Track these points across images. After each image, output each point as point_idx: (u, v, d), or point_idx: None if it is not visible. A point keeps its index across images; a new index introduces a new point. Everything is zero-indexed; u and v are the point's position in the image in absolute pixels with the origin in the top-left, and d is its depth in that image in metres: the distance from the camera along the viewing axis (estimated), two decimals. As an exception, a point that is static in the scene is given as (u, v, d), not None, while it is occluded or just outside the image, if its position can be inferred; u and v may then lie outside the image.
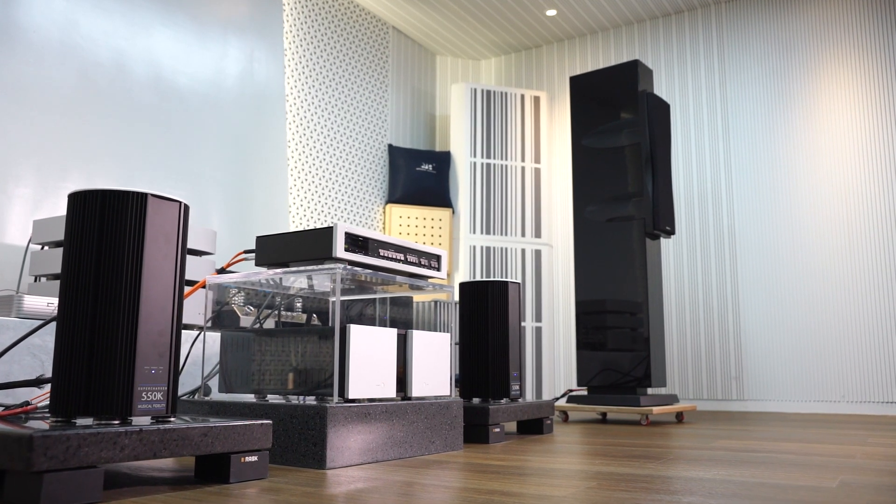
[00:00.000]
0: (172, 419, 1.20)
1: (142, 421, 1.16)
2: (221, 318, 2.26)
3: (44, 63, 2.62)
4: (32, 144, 2.55)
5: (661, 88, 4.55)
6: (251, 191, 3.39)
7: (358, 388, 1.55)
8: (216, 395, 1.87)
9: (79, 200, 1.16)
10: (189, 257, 2.27)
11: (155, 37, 3.04)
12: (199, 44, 3.24)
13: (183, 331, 2.14)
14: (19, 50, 2.55)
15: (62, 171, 2.62)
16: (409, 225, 4.49)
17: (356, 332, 1.56)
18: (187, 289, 2.11)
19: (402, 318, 3.09)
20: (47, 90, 2.62)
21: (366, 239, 1.66)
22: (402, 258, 1.78)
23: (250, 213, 3.37)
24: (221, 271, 1.73)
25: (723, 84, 4.33)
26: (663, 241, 4.36)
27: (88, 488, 1.03)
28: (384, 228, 4.51)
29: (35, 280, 2.21)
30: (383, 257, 1.71)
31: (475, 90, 4.68)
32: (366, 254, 1.66)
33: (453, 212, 4.61)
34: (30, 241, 2.19)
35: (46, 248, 2.22)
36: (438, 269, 1.90)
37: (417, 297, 4.39)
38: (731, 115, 4.28)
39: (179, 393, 2.10)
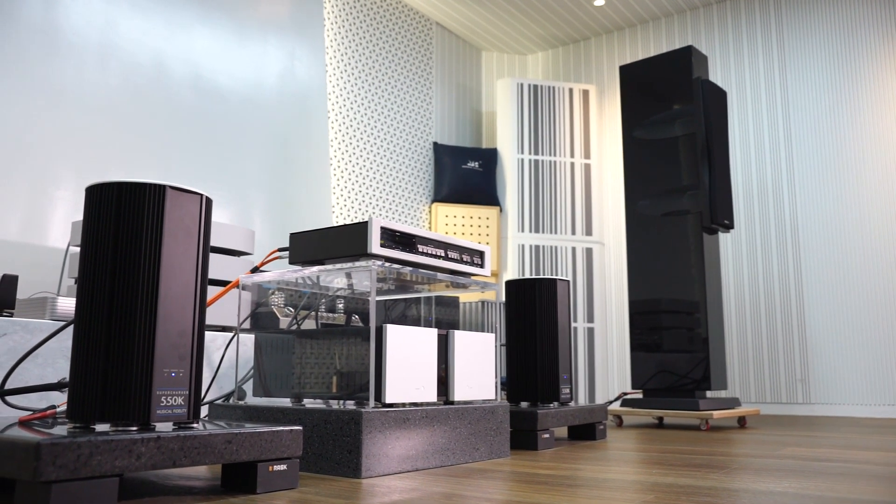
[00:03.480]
0: (195, 425, 1.13)
1: (163, 427, 1.09)
2: (260, 319, 2.20)
3: (84, 64, 2.61)
4: (72, 146, 2.54)
5: (715, 76, 4.36)
6: (293, 190, 3.35)
7: (396, 391, 1.46)
8: (251, 400, 1.81)
9: (95, 194, 1.10)
10: (226, 257, 2.22)
11: (194, 36, 3.01)
12: (238, 43, 3.21)
13: (220, 333, 2.09)
14: (59, 52, 2.54)
15: (102, 172, 2.61)
16: (455, 224, 4.40)
17: (393, 332, 1.47)
18: (221, 289, 2.06)
19: (447, 319, 3.00)
20: (87, 91, 2.61)
21: (403, 234, 1.57)
22: (443, 254, 1.68)
23: (292, 213, 3.33)
24: (255, 270, 1.67)
25: (782, 70, 4.13)
26: (721, 235, 4.18)
27: (101, 499, 0.96)
28: (430, 228, 4.43)
29: (75, 282, 2.19)
30: (422, 253, 1.62)
31: (521, 85, 4.57)
32: (403, 250, 1.57)
33: (501, 210, 4.50)
34: (69, 243, 2.17)
35: (86, 249, 2.20)
36: (482, 266, 1.80)
37: (464, 297, 4.29)
38: (792, 102, 4.07)
39: (214, 397, 2.04)
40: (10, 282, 1.68)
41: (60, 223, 2.45)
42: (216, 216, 2.97)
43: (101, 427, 1.08)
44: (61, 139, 2.51)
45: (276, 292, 1.90)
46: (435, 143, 4.51)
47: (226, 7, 3.17)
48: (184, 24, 2.98)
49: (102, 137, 2.62)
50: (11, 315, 1.77)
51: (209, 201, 1.18)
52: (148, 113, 2.78)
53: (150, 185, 1.09)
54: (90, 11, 2.65)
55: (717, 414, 2.66)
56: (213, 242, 2.21)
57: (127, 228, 1.07)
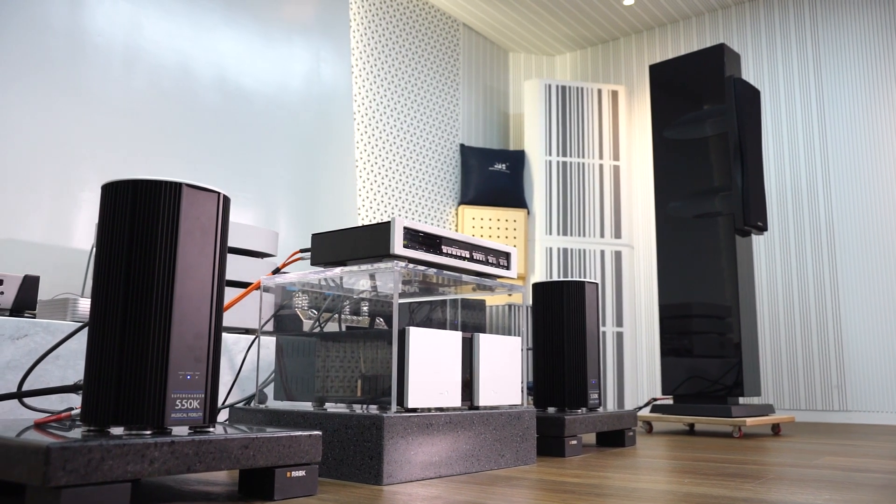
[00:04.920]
0: (211, 429, 1.10)
1: (178, 431, 1.06)
2: (283, 321, 2.18)
3: (109, 67, 2.61)
4: (97, 148, 2.54)
5: (748, 75, 4.27)
6: (319, 192, 3.33)
7: (418, 396, 1.43)
8: (272, 403, 1.78)
9: (110, 192, 1.07)
10: (250, 259, 2.20)
11: (219, 38, 3.01)
12: (263, 44, 3.20)
13: (243, 335, 2.07)
14: (85, 54, 2.55)
15: (127, 174, 2.61)
16: (482, 227, 4.36)
17: (416, 335, 1.43)
18: (241, 290, 2.03)
19: (473, 323, 2.95)
20: (112, 93, 2.61)
21: (427, 235, 1.54)
22: (468, 255, 1.64)
23: (318, 215, 3.31)
24: (276, 272, 1.64)
25: (817, 69, 4.03)
26: (754, 238, 4.08)
27: (113, 506, 0.93)
28: (457, 230, 4.39)
29: (99, 284, 2.18)
30: (447, 254, 1.58)
31: (549, 86, 4.51)
32: (427, 251, 1.53)
33: (528, 212, 4.45)
34: (93, 244, 2.17)
35: (110, 251, 2.19)
36: (508, 268, 1.76)
37: (491, 301, 4.24)
38: (828, 102, 3.97)
39: (236, 400, 2.02)
40: (32, 283, 1.67)
41: (85, 225, 2.46)
42: (240, 218, 2.97)
43: (115, 431, 1.06)
44: (86, 141, 2.51)
45: (300, 294, 1.88)
46: (462, 145, 4.47)
47: (251, 9, 3.17)
48: (209, 26, 2.97)
49: (127, 139, 2.63)
50: (34, 316, 1.77)
51: (227, 199, 1.15)
52: (173, 115, 2.78)
53: (166, 182, 1.07)
54: (116, 13, 2.65)
55: (750, 421, 2.59)
56: (237, 244, 2.20)
57: (142, 227, 1.05)
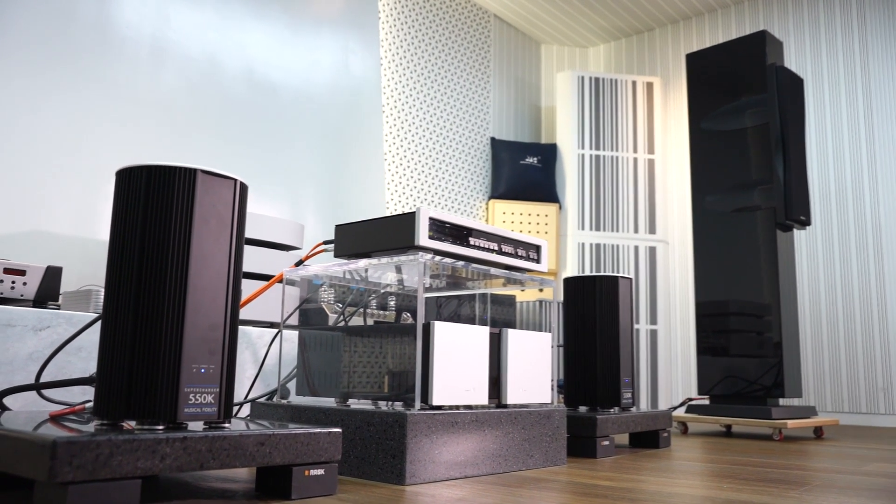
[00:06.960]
0: (225, 425, 1.06)
1: (194, 426, 1.02)
2: (308, 315, 2.14)
3: (137, 58, 2.60)
4: (125, 140, 2.53)
5: (789, 65, 4.14)
6: (347, 186, 3.29)
7: (444, 393, 1.37)
8: (294, 399, 1.74)
9: (124, 178, 1.04)
10: (275, 252, 2.16)
11: (247, 31, 2.98)
12: (292, 37, 3.17)
13: (268, 329, 2.03)
14: (113, 46, 2.54)
15: (156, 166, 2.59)
16: (513, 221, 4.29)
17: (441, 329, 1.38)
18: (263, 283, 2.00)
19: (503, 319, 2.89)
20: (140, 85, 2.60)
21: (454, 226, 1.48)
22: (496, 248, 1.59)
23: (345, 208, 3.27)
24: (299, 264, 1.60)
25: (864, 57, 3.88)
26: (795, 233, 3.95)
27: (122, 502, 0.89)
28: (487, 225, 4.33)
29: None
30: (474, 247, 1.53)
31: (582, 78, 4.42)
32: (454, 242, 1.48)
33: (560, 207, 4.36)
34: (120, 236, 2.15)
35: (136, 243, 2.18)
36: (538, 262, 1.70)
37: (521, 297, 4.18)
38: (875, 92, 3.82)
39: (256, 395, 1.99)
40: (54, 274, 1.65)
41: (113, 217, 2.45)
42: (267, 210, 2.94)
43: (129, 424, 1.02)
44: (113, 133, 2.50)
45: (326, 288, 1.84)
46: (492, 139, 4.41)
47: (280, 0, 3.14)
48: (237, 18, 2.95)
49: (154, 131, 2.61)
50: (57, 307, 1.75)
51: (244, 187, 1.11)
52: (200, 107, 2.76)
53: (181, 168, 1.03)
54: (143, 5, 2.64)
55: (791, 423, 2.49)
56: (262, 236, 2.16)
57: (156, 214, 1.01)
